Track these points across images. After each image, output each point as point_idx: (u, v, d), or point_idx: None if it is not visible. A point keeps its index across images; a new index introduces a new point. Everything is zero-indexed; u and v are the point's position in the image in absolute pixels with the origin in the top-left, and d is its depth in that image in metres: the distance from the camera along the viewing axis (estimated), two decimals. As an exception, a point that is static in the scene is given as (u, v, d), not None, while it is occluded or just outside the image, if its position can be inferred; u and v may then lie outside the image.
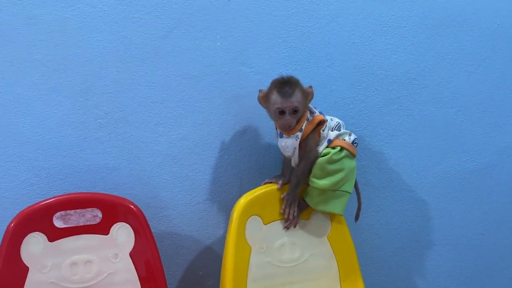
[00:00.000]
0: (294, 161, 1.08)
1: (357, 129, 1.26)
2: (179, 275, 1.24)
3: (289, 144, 1.05)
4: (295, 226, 1.11)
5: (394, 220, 1.34)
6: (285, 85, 1.00)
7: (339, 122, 1.10)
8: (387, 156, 1.30)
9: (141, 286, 1.04)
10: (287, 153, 1.07)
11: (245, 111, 1.19)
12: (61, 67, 1.07)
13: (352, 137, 1.10)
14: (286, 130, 1.03)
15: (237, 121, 1.20)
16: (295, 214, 1.09)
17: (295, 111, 1.01)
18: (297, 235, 1.12)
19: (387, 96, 1.27)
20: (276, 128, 1.08)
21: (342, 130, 1.09)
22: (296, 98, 1.00)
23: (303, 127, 1.03)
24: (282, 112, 1.00)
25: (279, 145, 1.08)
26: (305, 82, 1.05)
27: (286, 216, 1.09)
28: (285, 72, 1.17)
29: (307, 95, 1.04)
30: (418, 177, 1.33)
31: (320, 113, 1.08)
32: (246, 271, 1.06)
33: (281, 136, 1.06)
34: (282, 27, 1.18)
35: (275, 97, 1.00)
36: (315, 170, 1.06)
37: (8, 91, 1.05)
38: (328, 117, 1.09)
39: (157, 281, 1.05)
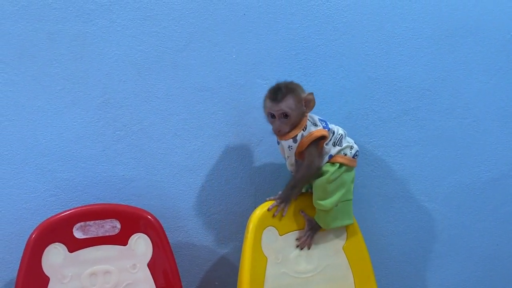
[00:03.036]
0: (290, 162, 1.08)
1: (371, 140, 1.27)
2: (196, 286, 1.25)
3: (285, 147, 1.06)
4: (309, 248, 1.11)
5: (408, 230, 1.34)
6: (277, 90, 1.02)
7: (341, 134, 1.09)
8: (401, 166, 1.30)
9: (159, 297, 1.06)
10: (283, 155, 1.08)
11: (260, 122, 1.20)
12: (81, 80, 1.10)
13: (353, 150, 1.09)
14: (277, 134, 1.04)
15: (252, 133, 1.21)
16: (284, 212, 1.08)
17: (285, 115, 1.01)
18: (313, 246, 1.12)
19: (400, 107, 1.27)
20: None
21: (344, 143, 1.08)
22: (286, 104, 1.01)
23: (298, 136, 1.03)
24: (273, 116, 1.03)
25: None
26: (318, 94, 1.06)
27: (274, 213, 1.08)
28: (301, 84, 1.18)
29: (307, 102, 1.03)
30: (431, 187, 1.33)
31: (325, 127, 1.06)
32: (263, 282, 1.07)
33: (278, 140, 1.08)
34: (296, 39, 1.19)
35: (267, 102, 1.03)
36: (318, 192, 1.06)
37: (29, 104, 1.08)
38: (334, 128, 1.08)
39: (175, 292, 1.06)
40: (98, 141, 1.12)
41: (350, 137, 1.13)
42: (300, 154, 1.06)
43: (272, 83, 1.18)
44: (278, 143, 1.10)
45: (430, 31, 1.26)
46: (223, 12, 1.15)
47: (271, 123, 1.04)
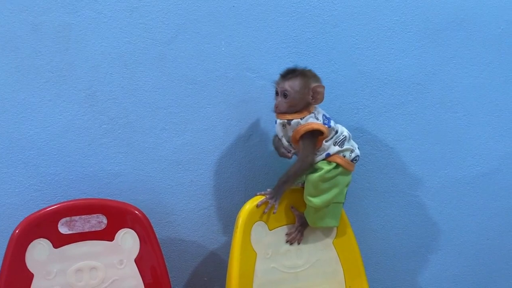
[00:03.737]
0: (284, 143, 1.07)
1: (361, 134, 1.26)
2: (184, 281, 1.24)
3: (276, 126, 1.06)
4: (299, 243, 1.10)
5: (399, 225, 1.33)
6: (291, 70, 1.03)
7: (345, 136, 1.06)
8: (392, 161, 1.29)
9: (146, 293, 1.04)
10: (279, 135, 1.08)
11: (250, 116, 1.19)
12: (66, 73, 1.07)
13: (354, 154, 1.07)
14: (274, 111, 1.05)
15: (242, 127, 1.19)
16: (275, 209, 1.07)
17: (284, 94, 1.02)
18: (303, 241, 1.11)
19: (391, 101, 1.27)
20: None
21: (346, 145, 1.06)
22: (290, 84, 1.01)
23: (293, 121, 1.02)
24: (276, 93, 1.04)
25: None
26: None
27: (264, 210, 1.07)
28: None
29: (315, 93, 1.02)
30: (423, 182, 1.32)
31: (326, 124, 1.03)
32: (252, 277, 1.05)
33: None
34: (287, 32, 1.18)
35: (277, 79, 1.05)
36: (309, 187, 1.05)
37: (13, 97, 1.05)
38: (338, 127, 1.06)
39: (163, 287, 1.04)
40: (84, 135, 1.10)
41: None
42: (295, 142, 1.04)
43: (262, 76, 1.18)
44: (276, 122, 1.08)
45: (421, 24, 1.25)
46: (212, 4, 1.13)
47: (275, 99, 1.05)
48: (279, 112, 1.04)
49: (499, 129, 1.34)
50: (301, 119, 1.02)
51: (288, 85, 1.01)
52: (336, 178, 1.05)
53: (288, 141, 1.06)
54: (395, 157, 1.29)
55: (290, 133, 1.04)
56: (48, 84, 1.07)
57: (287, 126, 1.03)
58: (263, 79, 1.18)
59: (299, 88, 1.01)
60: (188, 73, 1.13)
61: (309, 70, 1.05)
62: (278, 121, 1.05)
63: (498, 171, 1.36)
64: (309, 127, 1.02)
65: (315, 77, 1.05)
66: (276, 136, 1.09)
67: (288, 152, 1.08)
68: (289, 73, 1.02)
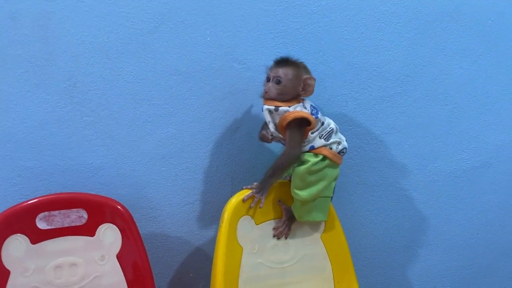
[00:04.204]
0: (271, 129, 1.04)
1: (350, 127, 1.24)
2: (169, 278, 1.21)
3: (263, 111, 1.03)
4: (286, 238, 1.08)
5: (388, 220, 1.32)
6: (284, 58, 1.03)
7: (332, 129, 1.05)
8: (381, 154, 1.28)
9: (129, 289, 1.01)
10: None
11: (236, 108, 1.17)
12: (45, 63, 1.03)
13: (341, 146, 1.05)
14: (264, 96, 1.03)
15: (228, 119, 1.17)
16: (262, 203, 1.05)
17: (277, 81, 1.00)
18: (290, 235, 1.09)
19: (380, 93, 1.24)
20: None
21: (332, 139, 1.04)
22: (284, 71, 1.01)
23: (280, 108, 1.00)
24: (267, 79, 1.03)
25: None
26: (297, 79, 1.02)
27: (251, 204, 1.05)
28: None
29: (306, 85, 1.02)
30: (412, 175, 1.31)
31: (313, 114, 1.02)
32: (238, 272, 1.03)
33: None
34: (274, 22, 1.15)
35: (270, 66, 1.04)
36: (296, 180, 1.03)
37: (-10, 88, 1.01)
38: (325, 120, 1.05)
39: (145, 284, 1.02)
40: (64, 127, 1.06)
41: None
42: (282, 130, 1.02)
43: (249, 67, 1.15)
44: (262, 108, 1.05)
45: (411, 15, 1.23)
46: (196, -8, 1.10)
47: (264, 85, 1.03)
48: (268, 97, 1.02)
49: (490, 122, 1.33)
50: (289, 107, 1.01)
51: (282, 71, 1.00)
52: (324, 171, 1.03)
53: (275, 128, 1.03)
54: (384, 151, 1.27)
55: (277, 120, 1.01)
56: (26, 74, 1.03)
57: (274, 112, 1.01)
58: (250, 70, 1.15)
59: (292, 76, 1.01)
60: (172, 64, 1.10)
61: (302, 63, 1.04)
62: (265, 107, 1.02)
63: (489, 164, 1.35)
64: (297, 114, 1.00)
65: (307, 70, 1.05)
66: (265, 121, 1.06)
67: (270, 135, 1.05)
68: (284, 61, 1.02)
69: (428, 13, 1.24)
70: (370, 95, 1.24)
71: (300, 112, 1.00)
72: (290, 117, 0.99)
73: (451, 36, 1.26)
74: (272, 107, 1.01)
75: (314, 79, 1.03)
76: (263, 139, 1.08)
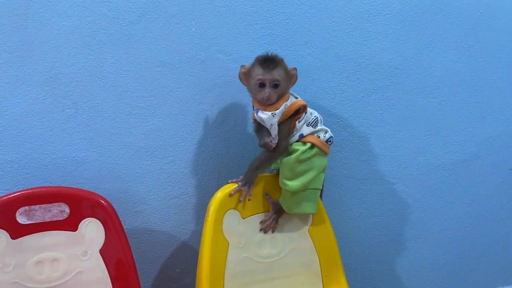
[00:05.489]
0: (273, 133, 1.01)
1: (338, 120, 1.22)
2: (155, 273, 1.19)
3: (264, 119, 0.99)
4: (273, 231, 1.07)
5: (376, 213, 1.31)
6: (268, 59, 0.99)
7: (317, 117, 1.04)
8: (369, 147, 1.27)
9: (112, 285, 0.99)
10: (257, 130, 1.04)
11: (222, 101, 1.15)
12: (25, 53, 1.00)
13: (328, 135, 1.04)
14: (265, 103, 0.99)
15: (214, 112, 1.15)
16: (250, 196, 1.04)
17: (275, 85, 0.98)
18: (277, 229, 1.07)
19: (369, 85, 1.23)
20: (253, 106, 1.03)
21: (319, 126, 1.04)
22: (278, 73, 0.98)
23: (281, 107, 0.99)
24: (262, 85, 0.98)
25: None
26: (284, 70, 1.00)
27: (240, 198, 1.04)
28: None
29: (291, 76, 1.01)
30: (400, 168, 1.30)
31: None
32: (224, 267, 1.01)
33: (257, 113, 1.01)
34: (261, 12, 1.13)
35: (257, 69, 0.98)
36: (285, 170, 1.02)
37: (-33, 79, 0.98)
38: (307, 110, 1.04)
39: (129, 280, 1.00)
40: (45, 120, 1.03)
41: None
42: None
43: (235, 58, 1.13)
44: (254, 121, 1.04)
45: (399, 6, 1.21)
46: (181, -18, 1.07)
47: (258, 92, 0.99)
48: (270, 104, 0.99)
49: (478, 115, 1.32)
50: (286, 102, 1.00)
51: (277, 74, 0.98)
52: (312, 160, 1.02)
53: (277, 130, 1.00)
54: (372, 143, 1.26)
55: (277, 119, 0.99)
56: (5, 65, 1.00)
57: (276, 114, 0.99)
58: (236, 61, 1.13)
59: (284, 75, 0.99)
60: (156, 55, 1.08)
61: (276, 55, 1.01)
62: (267, 113, 0.99)
63: (477, 157, 1.35)
64: (297, 105, 1.01)
65: (283, 59, 1.02)
66: (259, 126, 1.03)
67: (272, 141, 1.01)
68: (270, 63, 0.98)
69: (417, 5, 1.23)
70: (358, 88, 1.23)
71: (299, 101, 1.02)
72: (293, 109, 1.00)
73: (440, 28, 1.25)
74: (276, 111, 0.99)
75: (296, 69, 1.02)
76: (266, 146, 1.01)
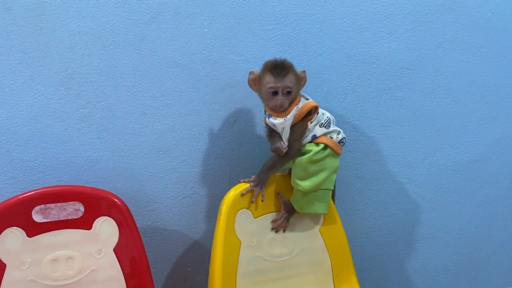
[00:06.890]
0: (284, 138, 1.01)
1: (349, 120, 1.23)
2: (167, 271, 1.20)
3: (276, 124, 1.00)
4: (284, 231, 1.08)
5: (387, 213, 1.31)
6: (278, 66, 0.98)
7: (329, 118, 1.05)
8: (380, 147, 1.27)
9: (126, 283, 1.00)
10: (269, 136, 1.05)
11: (234, 101, 1.15)
12: (41, 54, 1.02)
13: (340, 136, 1.05)
14: (278, 110, 0.99)
15: (226, 111, 1.15)
16: (263, 197, 1.05)
17: (288, 92, 0.98)
18: (289, 229, 1.08)
19: (379, 86, 1.23)
20: (265, 111, 1.04)
21: (332, 127, 1.04)
22: (290, 79, 0.98)
23: (292, 111, 0.99)
24: (275, 93, 0.98)
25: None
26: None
27: (252, 199, 1.04)
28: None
29: (300, 79, 1.01)
30: (411, 169, 1.30)
31: None
32: (236, 266, 1.02)
33: (269, 118, 1.02)
34: (272, 13, 1.14)
35: (268, 77, 0.98)
36: (297, 170, 1.02)
37: (-16, 79, 1.00)
38: (319, 110, 1.05)
39: (143, 278, 1.01)
40: (60, 120, 1.05)
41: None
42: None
43: (247, 59, 1.14)
44: (266, 125, 1.05)
45: (410, 7, 1.22)
46: (194, -17, 1.08)
47: (270, 99, 0.99)
48: (283, 111, 1.00)
49: (488, 116, 1.32)
50: (297, 105, 1.01)
51: (289, 81, 0.98)
52: (325, 161, 1.02)
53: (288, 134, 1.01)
54: (383, 144, 1.26)
55: (289, 122, 0.99)
56: (21, 66, 1.01)
57: (288, 122, 1.00)
58: (248, 62, 1.14)
59: (295, 80, 1.00)
60: (169, 55, 1.09)
61: (285, 60, 1.00)
62: (280, 120, 0.99)
63: (487, 158, 1.34)
64: (308, 106, 1.01)
65: (292, 64, 1.02)
66: (271, 131, 1.04)
67: (284, 147, 1.02)
68: (281, 70, 0.98)
69: (428, 5, 1.23)
70: (369, 88, 1.23)
71: (310, 102, 1.02)
72: (304, 111, 1.00)
73: (450, 28, 1.25)
74: (287, 117, 0.99)
75: (305, 71, 1.02)
76: (278, 151, 1.01)
